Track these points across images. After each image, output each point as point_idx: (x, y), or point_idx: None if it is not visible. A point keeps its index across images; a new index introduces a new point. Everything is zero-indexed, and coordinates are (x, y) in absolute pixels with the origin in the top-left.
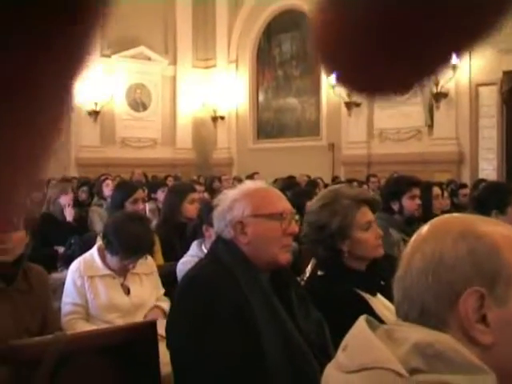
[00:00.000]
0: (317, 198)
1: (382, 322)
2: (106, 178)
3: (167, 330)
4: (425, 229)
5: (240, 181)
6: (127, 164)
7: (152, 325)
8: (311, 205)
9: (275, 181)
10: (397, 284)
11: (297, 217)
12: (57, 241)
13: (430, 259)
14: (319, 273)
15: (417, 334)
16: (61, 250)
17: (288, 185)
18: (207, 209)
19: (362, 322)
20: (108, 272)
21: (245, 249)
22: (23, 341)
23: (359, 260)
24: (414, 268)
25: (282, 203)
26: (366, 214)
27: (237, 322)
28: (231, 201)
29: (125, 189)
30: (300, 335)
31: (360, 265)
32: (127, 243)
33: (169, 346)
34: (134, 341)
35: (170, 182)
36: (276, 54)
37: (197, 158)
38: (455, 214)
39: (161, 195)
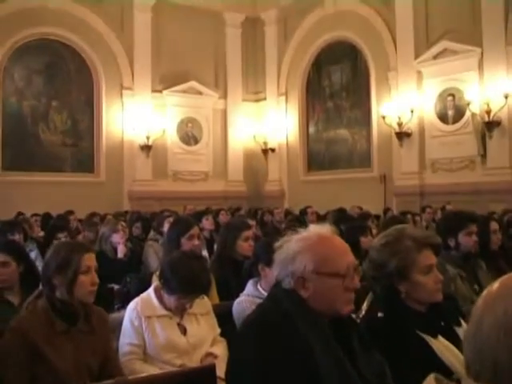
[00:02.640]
0: (382, 235)
1: (443, 365)
2: (170, 215)
3: (227, 375)
4: (495, 286)
5: (291, 213)
6: (179, 197)
7: (211, 368)
8: (376, 241)
9: (327, 213)
10: (467, 342)
11: (356, 262)
12: (109, 278)
13: (502, 317)
14: (379, 314)
15: None
16: (116, 287)
17: (341, 218)
18: (264, 248)
19: (431, 379)
20: (165, 312)
21: (305, 298)
22: None
23: (417, 302)
24: (485, 326)
25: (346, 258)
26: (428, 258)
27: (299, 371)
28: (294, 252)
29: (181, 225)
30: (362, 381)
31: (420, 306)
32: (185, 282)
33: None
34: None
35: (223, 215)
36: (326, 86)
37: (248, 190)
38: None
39: (206, 223)
